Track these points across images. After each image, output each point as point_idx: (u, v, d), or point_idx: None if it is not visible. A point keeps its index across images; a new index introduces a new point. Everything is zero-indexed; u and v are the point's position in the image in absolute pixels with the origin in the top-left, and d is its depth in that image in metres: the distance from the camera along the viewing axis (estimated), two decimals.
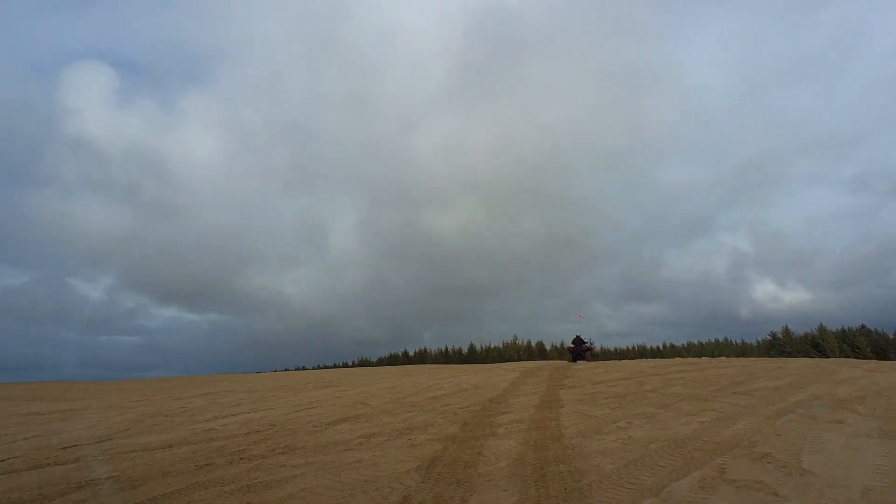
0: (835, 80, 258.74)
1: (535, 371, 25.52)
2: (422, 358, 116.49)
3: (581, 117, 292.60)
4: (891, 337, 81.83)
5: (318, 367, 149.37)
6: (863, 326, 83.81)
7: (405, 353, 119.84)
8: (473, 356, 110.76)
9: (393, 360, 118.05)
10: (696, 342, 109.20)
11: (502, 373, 25.19)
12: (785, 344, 79.34)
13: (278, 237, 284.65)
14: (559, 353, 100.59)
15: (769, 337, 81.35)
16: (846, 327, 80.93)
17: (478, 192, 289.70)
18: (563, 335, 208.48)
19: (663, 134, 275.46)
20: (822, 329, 78.36)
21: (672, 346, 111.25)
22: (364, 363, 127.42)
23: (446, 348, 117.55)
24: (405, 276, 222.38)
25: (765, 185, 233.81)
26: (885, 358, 73.07)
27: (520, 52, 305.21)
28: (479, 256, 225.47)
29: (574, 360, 26.53)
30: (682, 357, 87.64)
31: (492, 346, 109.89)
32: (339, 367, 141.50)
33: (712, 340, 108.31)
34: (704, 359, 32.16)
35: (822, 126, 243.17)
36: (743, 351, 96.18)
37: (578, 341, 27.04)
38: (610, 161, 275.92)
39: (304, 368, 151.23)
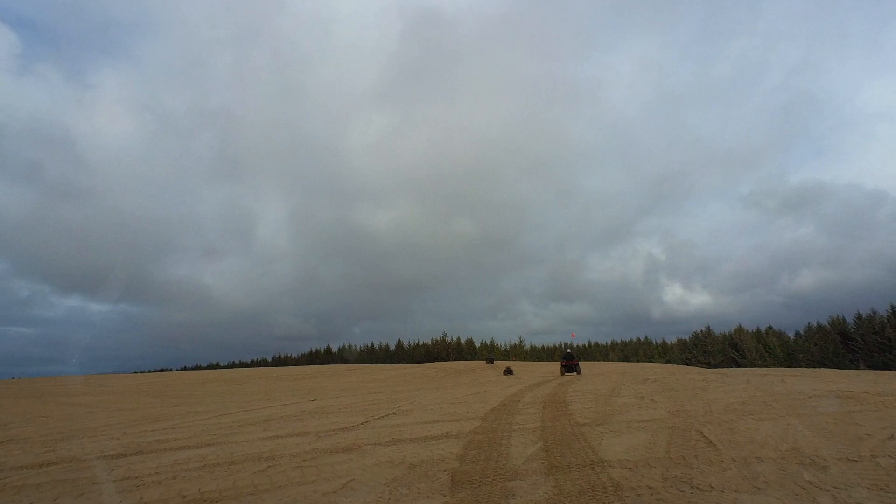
0: (736, 106, 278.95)
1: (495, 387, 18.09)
2: (344, 356, 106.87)
3: (510, 125, 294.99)
4: (791, 338, 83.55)
5: (226, 366, 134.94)
6: (770, 328, 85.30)
7: (328, 350, 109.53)
8: (401, 353, 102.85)
9: (313, 358, 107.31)
10: (619, 341, 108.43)
11: (454, 388, 17.49)
12: (707, 343, 78.59)
13: (200, 226, 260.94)
14: (489, 350, 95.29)
15: (692, 336, 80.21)
16: (760, 328, 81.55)
17: (411, 191, 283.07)
18: (492, 332, 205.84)
19: (586, 144, 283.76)
20: (739, 330, 78.25)
21: (597, 344, 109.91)
22: (282, 361, 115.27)
23: (372, 344, 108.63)
24: (336, 271, 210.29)
25: (676, 196, 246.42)
26: (795, 359, 74.01)
27: (453, 58, 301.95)
28: (411, 254, 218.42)
29: (564, 373, 26.71)
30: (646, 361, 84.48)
31: (420, 343, 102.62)
32: (250, 364, 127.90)
33: (634, 339, 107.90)
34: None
35: (724, 146, 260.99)
36: (664, 350, 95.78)
37: (569, 356, 27.54)
38: (537, 168, 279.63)
39: (217, 366, 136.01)
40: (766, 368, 37.19)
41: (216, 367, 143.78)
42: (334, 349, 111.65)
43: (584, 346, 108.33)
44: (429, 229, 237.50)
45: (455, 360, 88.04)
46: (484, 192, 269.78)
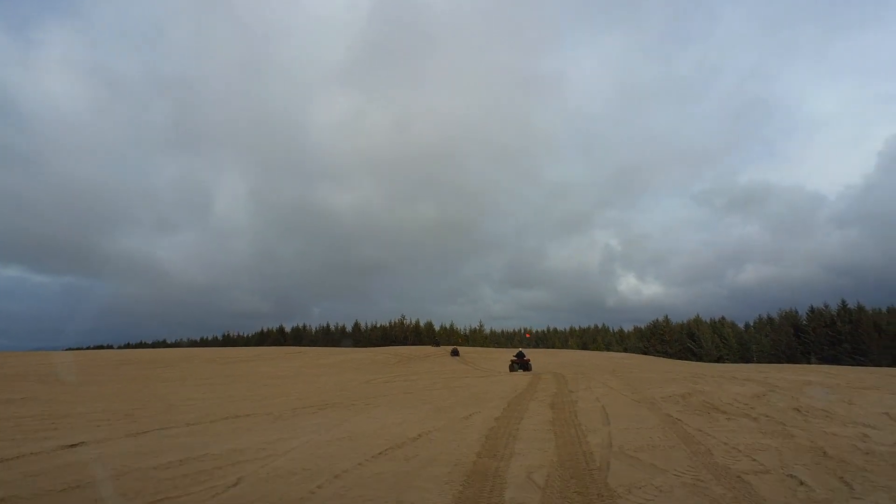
0: (694, 106, 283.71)
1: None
2: (299, 336, 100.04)
3: (476, 112, 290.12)
4: (742, 328, 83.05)
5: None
6: (723, 318, 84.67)
7: (280, 330, 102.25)
8: (357, 335, 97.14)
9: (263, 338, 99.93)
10: (577, 327, 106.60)
11: (404, 395, 12.13)
12: (665, 332, 76.86)
13: (154, 197, 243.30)
14: (448, 335, 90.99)
15: (651, 325, 78.27)
16: (714, 319, 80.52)
17: (374, 173, 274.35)
18: (452, 316, 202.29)
19: (549, 136, 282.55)
20: (697, 320, 76.82)
21: (556, 330, 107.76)
22: (231, 341, 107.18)
23: (328, 325, 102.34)
24: (295, 250, 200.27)
25: (634, 190, 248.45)
26: (749, 350, 73.21)
27: (422, 40, 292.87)
28: (373, 235, 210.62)
29: (514, 370, 24.94)
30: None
31: (378, 325, 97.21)
32: (199, 343, 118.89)
33: (592, 326, 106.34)
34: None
35: (681, 144, 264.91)
36: (621, 338, 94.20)
37: (521, 355, 26.55)
38: (501, 156, 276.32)
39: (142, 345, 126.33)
40: (764, 365, 34.16)
41: (163, 344, 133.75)
42: (288, 329, 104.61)
43: (543, 331, 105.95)
44: (392, 212, 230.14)
45: (413, 343, 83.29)
46: (448, 177, 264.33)
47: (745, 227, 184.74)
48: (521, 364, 24.41)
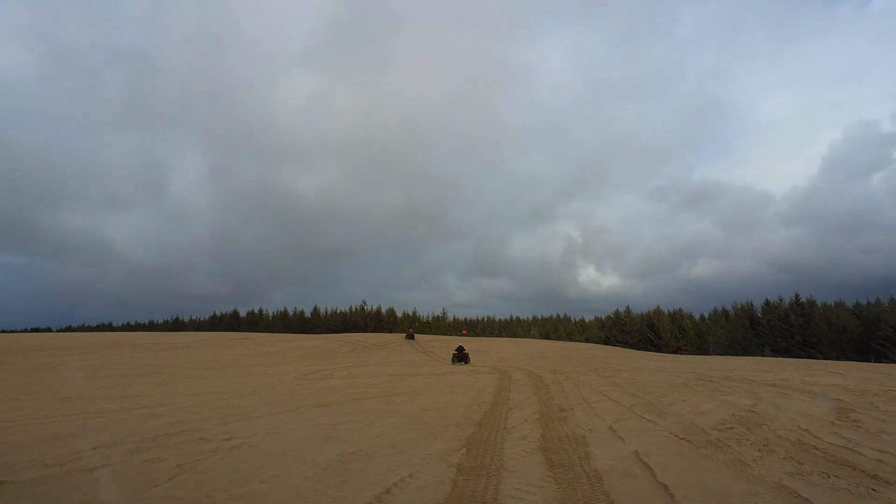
0: (655, 104, 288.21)
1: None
2: (254, 321, 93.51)
3: (443, 100, 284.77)
4: (698, 319, 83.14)
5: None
6: (680, 310, 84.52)
7: (234, 314, 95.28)
8: (317, 320, 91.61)
9: (216, 323, 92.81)
10: (539, 316, 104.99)
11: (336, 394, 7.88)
12: (625, 322, 75.60)
13: (104, 174, 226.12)
14: (410, 323, 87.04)
15: (613, 315, 76.85)
16: (671, 310, 80.00)
17: (339, 157, 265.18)
18: (415, 303, 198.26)
19: (515, 127, 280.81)
20: (658, 311, 75.89)
21: (518, 318, 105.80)
22: (180, 325, 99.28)
23: (285, 310, 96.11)
24: (257, 232, 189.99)
25: (596, 184, 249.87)
26: (706, 342, 72.91)
27: (390, 25, 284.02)
28: (338, 220, 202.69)
29: (455, 362, 24.90)
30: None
31: (338, 311, 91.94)
32: (146, 327, 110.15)
33: (554, 315, 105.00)
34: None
35: (641, 140, 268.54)
36: (583, 327, 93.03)
37: (461, 349, 26.05)
38: (467, 145, 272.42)
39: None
40: (756, 359, 31.89)
41: (108, 327, 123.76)
42: (243, 314, 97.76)
43: (506, 320, 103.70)
44: (356, 197, 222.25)
45: (373, 331, 78.91)
46: (414, 164, 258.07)
47: (698, 223, 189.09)
48: (460, 357, 25.06)
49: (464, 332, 66.55)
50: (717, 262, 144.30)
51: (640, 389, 10.05)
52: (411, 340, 45.53)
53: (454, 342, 45.84)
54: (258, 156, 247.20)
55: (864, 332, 61.96)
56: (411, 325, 70.92)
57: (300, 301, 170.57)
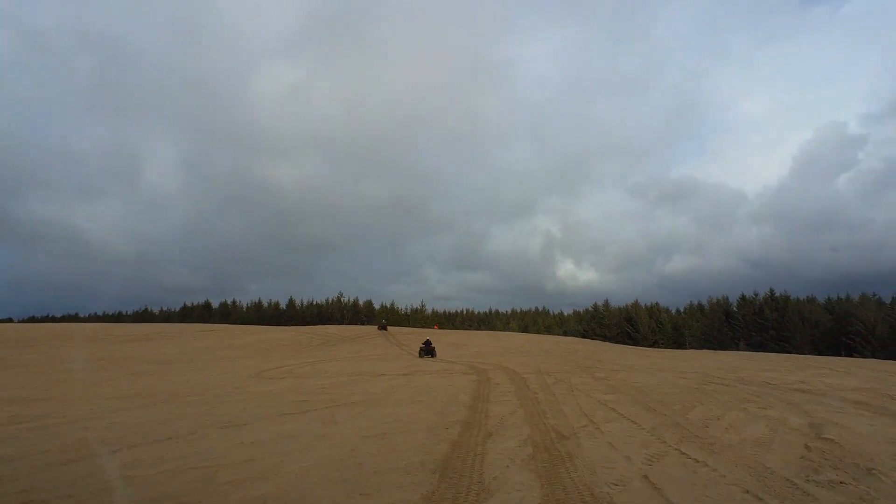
0: (637, 101, 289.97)
1: None
2: (227, 312, 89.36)
3: (425, 93, 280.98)
4: (674, 313, 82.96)
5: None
6: (657, 304, 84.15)
7: (206, 305, 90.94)
8: (292, 311, 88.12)
9: (186, 314, 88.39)
10: (518, 310, 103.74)
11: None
12: (604, 316, 74.59)
13: (75, 161, 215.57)
14: (388, 314, 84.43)
15: (592, 309, 75.73)
16: (655, 304, 79.45)
17: (319, 149, 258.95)
18: (396, 295, 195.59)
19: (498, 121, 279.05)
20: (636, 305, 75.09)
21: (497, 311, 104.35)
22: (149, 316, 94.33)
23: (259, 301, 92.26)
24: (234, 224, 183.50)
25: (576, 179, 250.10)
26: (682, 335, 72.47)
27: (372, 15, 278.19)
28: (317, 213, 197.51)
29: (422, 356, 24.36)
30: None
31: (314, 303, 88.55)
32: (113, 318, 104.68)
33: (533, 309, 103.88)
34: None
35: (623, 137, 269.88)
36: (561, 321, 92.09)
37: (428, 343, 25.52)
38: (449, 138, 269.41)
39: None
40: (749, 354, 30.39)
41: (74, 318, 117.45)
42: (216, 305, 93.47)
43: (485, 313, 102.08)
44: (336, 189, 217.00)
45: (350, 323, 76.10)
46: (395, 157, 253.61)
47: (674, 219, 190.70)
48: (427, 351, 24.90)
49: (436, 326, 65.35)
50: (691, 258, 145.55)
51: (651, 399, 7.91)
52: (385, 333, 43.30)
53: (435, 337, 43.55)
54: (236, 145, 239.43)
55: (835, 326, 62.20)
56: (384, 317, 68.49)
57: (279, 294, 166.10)
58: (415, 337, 38.89)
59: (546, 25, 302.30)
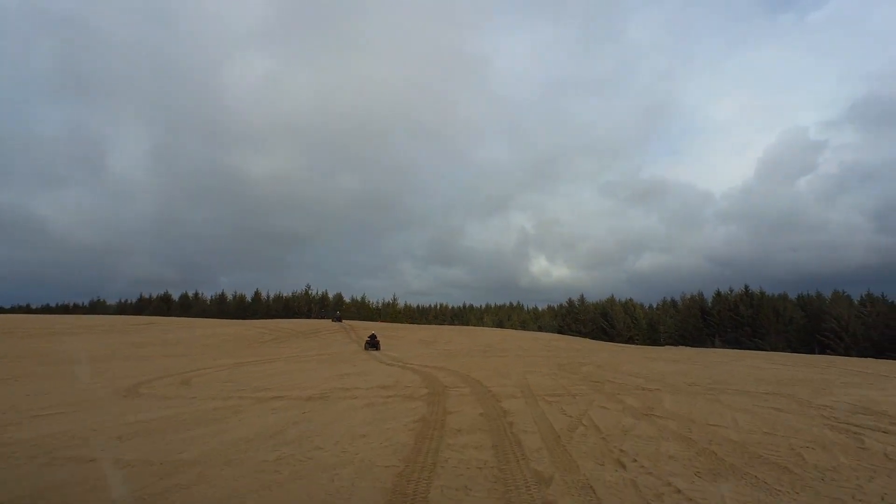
0: (610, 101, 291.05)
1: None
2: (188, 305, 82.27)
3: (401, 87, 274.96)
4: (648, 308, 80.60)
5: None
6: (631, 300, 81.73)
7: (165, 298, 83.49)
8: (258, 305, 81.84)
9: (142, 307, 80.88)
10: (492, 304, 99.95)
11: None
12: (580, 311, 71.31)
13: (35, 148, 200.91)
14: (359, 309, 79.21)
15: (567, 304, 72.35)
16: (629, 299, 76.76)
17: (293, 141, 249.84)
18: (370, 290, 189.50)
19: (473, 117, 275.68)
20: (611, 300, 72.10)
21: (472, 306, 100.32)
22: (101, 308, 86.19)
23: (223, 293, 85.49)
24: (204, 215, 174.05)
25: (551, 177, 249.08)
26: (657, 331, 69.86)
27: (346, 9, 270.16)
28: (291, 205, 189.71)
29: (367, 349, 24.32)
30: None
31: (281, 296, 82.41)
32: (65, 309, 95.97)
33: (507, 304, 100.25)
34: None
35: (596, 136, 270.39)
36: (536, 316, 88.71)
37: (373, 337, 25.66)
38: (425, 133, 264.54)
39: None
40: (745, 352, 26.72)
41: (25, 309, 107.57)
42: (176, 297, 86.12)
43: (459, 307, 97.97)
44: (311, 182, 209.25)
45: (319, 317, 70.52)
46: (371, 150, 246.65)
47: (645, 218, 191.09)
48: (372, 344, 24.63)
49: (381, 321, 61.68)
50: (661, 256, 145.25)
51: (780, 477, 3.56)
52: (341, 325, 38.79)
53: (401, 332, 38.70)
54: (206, 135, 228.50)
55: (808, 324, 60.54)
56: (337, 309, 63.19)
57: (251, 287, 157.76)
58: (377, 333, 34.15)
59: (522, 24, 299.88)
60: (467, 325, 74.75)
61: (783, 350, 59.50)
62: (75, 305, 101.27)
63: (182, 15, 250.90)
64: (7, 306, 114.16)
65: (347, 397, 7.85)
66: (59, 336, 31.00)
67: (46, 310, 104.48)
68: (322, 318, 43.49)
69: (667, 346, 54.73)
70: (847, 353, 50.15)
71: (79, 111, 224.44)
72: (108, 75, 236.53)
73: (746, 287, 65.29)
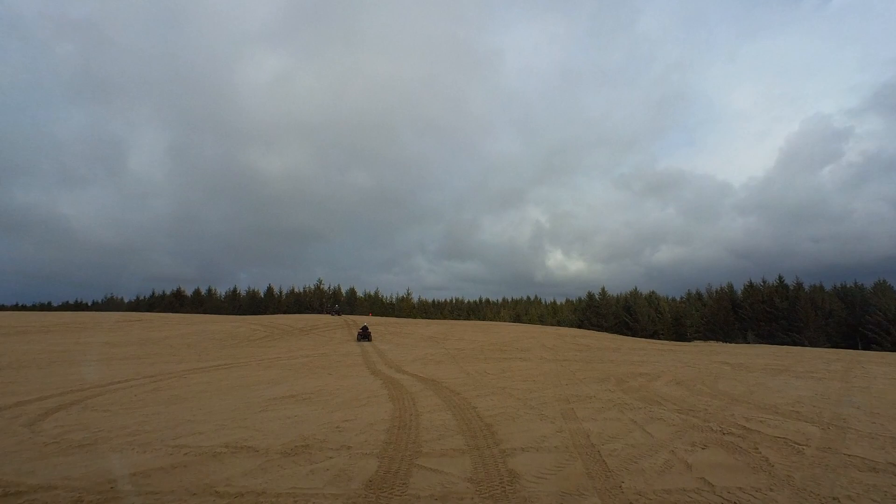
0: (625, 92, 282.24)
1: None
2: (200, 301, 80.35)
3: (411, 82, 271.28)
4: (671, 301, 75.36)
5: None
6: (653, 292, 76.66)
7: (177, 293, 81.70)
8: (269, 300, 79.49)
9: (154, 304, 79.14)
10: (509, 299, 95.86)
11: None
12: (601, 305, 66.78)
13: (58, 148, 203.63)
14: (372, 303, 76.10)
15: (587, 298, 67.82)
16: (652, 292, 71.81)
17: (306, 138, 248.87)
18: (385, 284, 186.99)
19: (485, 111, 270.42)
20: (635, 293, 67.32)
21: (489, 301, 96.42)
22: (114, 304, 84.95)
23: (235, 290, 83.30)
24: (222, 213, 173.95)
25: (565, 170, 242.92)
26: (682, 325, 64.91)
27: (356, 6, 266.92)
28: (306, 201, 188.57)
29: (360, 340, 24.66)
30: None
31: (294, 291, 79.84)
32: (78, 307, 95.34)
33: (524, 298, 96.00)
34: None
35: (610, 128, 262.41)
36: (554, 310, 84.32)
37: (365, 328, 25.76)
38: (436, 128, 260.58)
39: None
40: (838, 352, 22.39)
41: (47, 307, 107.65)
42: (189, 293, 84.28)
43: (475, 302, 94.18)
44: (324, 178, 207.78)
45: (327, 312, 67.52)
46: (382, 146, 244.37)
47: (661, 210, 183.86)
48: (364, 336, 24.42)
49: (370, 314, 58.81)
50: (678, 248, 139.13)
51: None
52: (340, 320, 35.57)
53: (409, 327, 35.11)
54: (222, 134, 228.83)
55: (849, 316, 55.11)
56: (336, 302, 59.39)
57: (267, 282, 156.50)
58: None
59: (532, 17, 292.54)
60: (483, 319, 70.96)
61: (823, 345, 54.14)
62: (93, 303, 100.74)
63: (195, 17, 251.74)
64: (30, 304, 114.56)
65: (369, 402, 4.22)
66: (36, 334, 28.21)
67: (65, 307, 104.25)
68: (330, 312, 40.25)
69: (695, 342, 49.78)
70: (894, 347, 44.91)
71: (98, 113, 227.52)
72: (126, 78, 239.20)
73: (781, 277, 59.92)
